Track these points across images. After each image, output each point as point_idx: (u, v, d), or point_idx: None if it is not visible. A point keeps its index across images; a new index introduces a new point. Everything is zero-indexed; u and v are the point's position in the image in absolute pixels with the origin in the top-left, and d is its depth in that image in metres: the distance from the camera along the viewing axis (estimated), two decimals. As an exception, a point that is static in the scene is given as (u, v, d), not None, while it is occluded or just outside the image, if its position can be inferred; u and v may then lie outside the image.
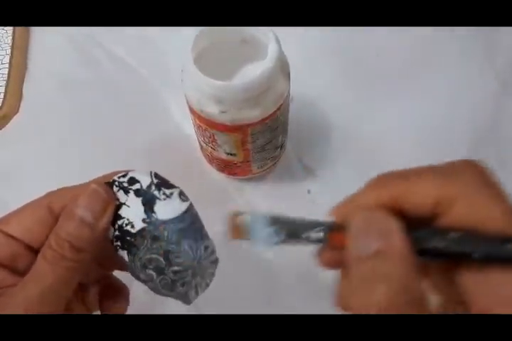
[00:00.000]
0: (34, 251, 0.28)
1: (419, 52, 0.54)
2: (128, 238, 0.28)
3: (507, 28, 0.52)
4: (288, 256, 0.42)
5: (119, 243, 0.28)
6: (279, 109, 0.38)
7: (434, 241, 0.23)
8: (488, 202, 0.23)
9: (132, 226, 0.28)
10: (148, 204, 0.28)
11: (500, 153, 0.49)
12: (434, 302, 0.26)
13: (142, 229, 0.28)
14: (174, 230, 0.28)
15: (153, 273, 0.28)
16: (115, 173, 0.29)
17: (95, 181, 0.28)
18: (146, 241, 0.28)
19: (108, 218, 0.27)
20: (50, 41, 0.55)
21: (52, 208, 0.28)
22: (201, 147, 0.45)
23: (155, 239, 0.28)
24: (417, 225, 0.24)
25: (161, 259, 0.28)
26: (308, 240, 0.25)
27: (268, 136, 0.40)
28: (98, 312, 0.32)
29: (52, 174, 0.49)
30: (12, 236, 0.28)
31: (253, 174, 0.46)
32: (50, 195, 0.29)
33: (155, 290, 0.29)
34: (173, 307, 0.41)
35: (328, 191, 0.48)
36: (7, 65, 0.52)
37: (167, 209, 0.28)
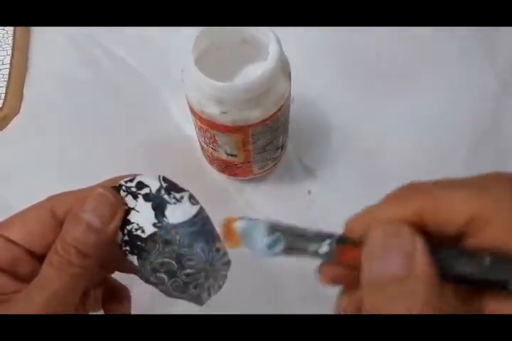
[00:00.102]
0: (36, 256, 0.28)
1: (419, 52, 0.54)
2: (138, 243, 0.27)
3: (507, 28, 0.52)
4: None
5: (128, 248, 0.28)
6: (279, 109, 0.38)
7: (463, 266, 0.21)
8: None
9: (143, 231, 0.27)
10: (159, 208, 0.28)
11: (500, 153, 0.49)
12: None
13: (153, 234, 0.27)
14: (186, 234, 0.28)
15: (165, 277, 0.28)
16: (121, 178, 0.28)
17: (101, 185, 0.28)
18: (157, 246, 0.27)
19: (117, 223, 0.27)
20: (50, 41, 0.55)
21: (55, 212, 0.28)
22: (202, 148, 0.45)
23: (167, 243, 0.27)
24: (440, 244, 0.21)
25: (173, 263, 0.28)
26: (313, 253, 0.23)
27: (269, 136, 0.40)
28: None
29: (52, 174, 0.49)
30: (13, 241, 0.27)
31: (254, 175, 0.46)
32: (52, 198, 0.28)
33: (166, 292, 0.29)
34: (173, 307, 0.41)
35: (329, 191, 0.48)
36: (8, 66, 0.52)
37: (178, 213, 0.28)
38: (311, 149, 0.50)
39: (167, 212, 0.28)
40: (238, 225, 0.24)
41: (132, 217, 0.28)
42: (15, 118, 0.51)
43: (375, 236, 0.21)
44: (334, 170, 0.49)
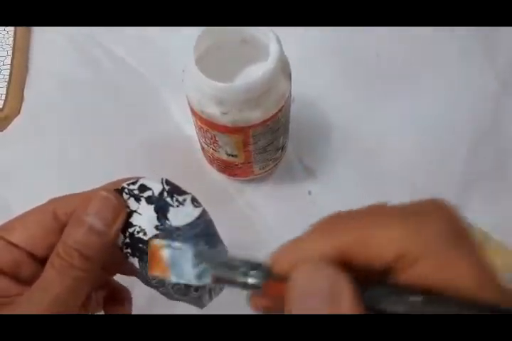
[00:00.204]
0: (38, 259, 0.28)
1: (419, 52, 0.54)
2: (140, 245, 0.27)
3: (507, 28, 0.52)
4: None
5: (129, 250, 0.28)
6: (280, 110, 0.38)
7: (391, 305, 0.20)
8: (456, 263, 0.20)
9: (145, 234, 0.27)
10: (161, 211, 0.27)
11: (500, 153, 0.49)
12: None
13: (155, 236, 0.27)
14: (188, 236, 0.27)
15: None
16: (123, 180, 0.28)
17: (104, 188, 0.27)
18: None
19: (119, 226, 0.27)
20: (50, 41, 0.55)
21: (57, 215, 0.27)
22: (202, 148, 0.45)
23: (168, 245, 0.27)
24: (370, 278, 0.21)
25: None
26: (241, 285, 0.22)
27: (269, 137, 0.40)
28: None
29: (52, 174, 0.49)
30: (14, 244, 0.27)
31: (254, 175, 0.46)
32: (54, 201, 0.28)
33: (167, 295, 0.28)
34: (174, 307, 0.41)
35: (329, 192, 0.48)
36: (8, 66, 0.52)
37: (180, 215, 0.28)
38: (312, 149, 0.50)
39: (169, 215, 0.27)
40: (166, 253, 0.24)
41: (134, 219, 0.27)
42: (15, 119, 0.51)
43: (297, 277, 0.21)
44: (334, 171, 0.49)
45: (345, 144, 0.50)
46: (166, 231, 0.27)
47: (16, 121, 0.51)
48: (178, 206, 0.28)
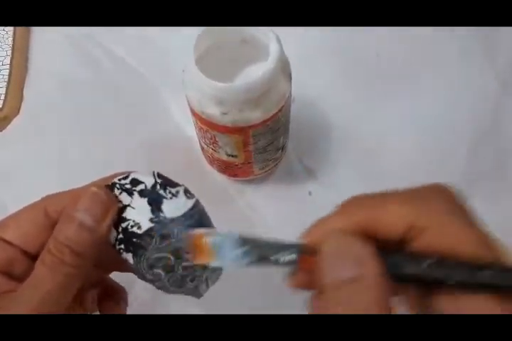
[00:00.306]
0: (30, 256, 0.28)
1: (419, 52, 0.54)
2: (134, 239, 0.27)
3: (507, 28, 0.52)
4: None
5: (122, 246, 0.28)
6: (280, 110, 0.38)
7: (408, 268, 0.23)
8: (459, 227, 0.23)
9: (139, 227, 0.27)
10: (155, 203, 0.28)
11: (500, 153, 0.49)
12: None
13: (150, 229, 0.27)
14: (183, 227, 0.28)
15: (162, 272, 0.28)
16: (114, 176, 0.28)
17: (94, 184, 0.28)
18: (154, 241, 0.27)
19: (110, 221, 0.27)
20: (50, 41, 0.55)
21: (49, 212, 0.28)
22: (202, 148, 0.45)
23: (164, 237, 0.27)
24: (390, 249, 0.24)
25: (170, 257, 0.28)
26: (279, 263, 0.25)
27: (269, 137, 0.40)
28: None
29: (52, 174, 0.49)
30: (8, 242, 0.27)
31: (254, 175, 0.46)
32: (46, 198, 0.28)
33: (163, 288, 0.29)
34: (174, 307, 0.41)
35: (329, 192, 0.48)
36: (8, 67, 0.52)
37: (174, 207, 0.28)
38: (312, 149, 0.50)
39: (163, 207, 0.28)
40: (209, 239, 0.25)
41: (128, 214, 0.28)
42: (15, 119, 0.51)
43: (327, 246, 0.24)
44: (335, 171, 0.49)
45: (345, 144, 0.50)
46: (161, 224, 0.27)
47: (16, 121, 0.51)
48: (171, 198, 0.28)
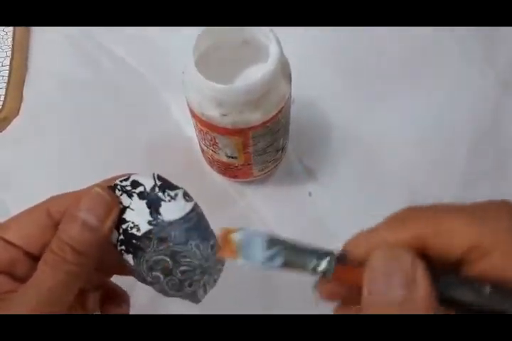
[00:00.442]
0: (33, 257, 0.28)
1: (419, 52, 0.54)
2: (133, 241, 0.28)
3: (507, 28, 0.52)
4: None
5: (123, 247, 0.28)
6: (280, 111, 0.38)
7: (462, 294, 0.21)
8: None
9: (138, 229, 0.27)
10: (154, 206, 0.28)
11: (500, 153, 0.49)
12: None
13: (148, 232, 0.27)
14: (181, 230, 0.28)
15: (160, 275, 0.28)
16: (116, 177, 0.28)
17: (97, 185, 0.28)
18: (152, 243, 0.28)
19: (112, 221, 0.27)
20: (50, 41, 0.55)
21: (52, 213, 0.28)
22: (202, 150, 0.45)
23: (162, 240, 0.28)
24: (444, 268, 0.22)
25: (169, 260, 0.28)
26: (312, 270, 0.23)
27: (269, 138, 0.40)
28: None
29: (52, 175, 0.49)
30: (11, 243, 0.27)
31: (254, 177, 0.46)
32: (49, 200, 0.28)
33: (162, 291, 0.29)
34: (175, 309, 0.41)
35: (329, 193, 0.48)
36: (7, 68, 0.52)
37: (172, 210, 0.28)
38: (312, 150, 0.50)
39: (162, 210, 0.28)
40: (237, 236, 0.24)
41: (127, 215, 0.28)
42: (14, 120, 0.51)
43: (376, 260, 0.22)
44: (335, 171, 0.49)
45: (345, 144, 0.50)
46: (159, 226, 0.28)
47: (16, 121, 0.51)
48: (170, 200, 0.28)
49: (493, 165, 0.49)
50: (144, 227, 0.27)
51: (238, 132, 0.38)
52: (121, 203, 0.28)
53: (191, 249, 0.28)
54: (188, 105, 0.38)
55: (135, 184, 0.28)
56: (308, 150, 0.50)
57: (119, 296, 0.33)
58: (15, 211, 0.29)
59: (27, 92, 0.53)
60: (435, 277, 0.21)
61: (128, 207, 0.28)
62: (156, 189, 0.28)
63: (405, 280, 0.21)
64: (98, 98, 0.53)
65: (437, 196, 0.47)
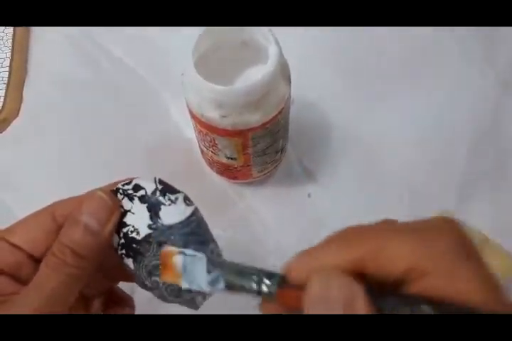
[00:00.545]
0: (37, 260, 0.28)
1: (419, 52, 0.54)
2: (133, 245, 0.27)
3: (507, 28, 0.52)
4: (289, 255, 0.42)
5: (124, 251, 0.28)
6: (280, 112, 0.38)
7: (401, 313, 0.21)
8: (463, 276, 0.21)
9: (138, 233, 0.27)
10: (154, 210, 0.28)
11: (500, 153, 0.49)
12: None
13: (148, 235, 0.27)
14: (180, 235, 0.27)
15: (159, 280, 0.28)
16: (119, 182, 0.28)
17: (99, 189, 0.28)
18: (152, 247, 0.27)
19: (113, 225, 0.27)
20: (50, 41, 0.55)
21: (56, 217, 0.28)
22: (202, 151, 0.45)
23: (161, 244, 0.27)
24: (383, 287, 0.22)
25: None
26: (254, 293, 0.23)
27: (269, 140, 0.40)
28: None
29: (52, 175, 0.49)
30: (17, 246, 0.28)
31: (253, 178, 0.46)
32: (54, 203, 0.29)
33: (161, 297, 0.28)
34: (175, 309, 0.41)
35: (329, 194, 0.48)
36: (7, 69, 0.52)
37: (172, 214, 0.28)
38: (311, 150, 0.50)
39: (161, 213, 0.28)
40: (178, 260, 0.24)
41: (128, 219, 0.28)
42: (14, 121, 0.51)
43: (314, 285, 0.22)
44: (334, 172, 0.49)
45: (345, 145, 0.50)
46: (159, 230, 0.27)
47: (16, 122, 0.51)
48: (170, 204, 0.28)
49: (493, 165, 0.49)
50: (144, 231, 0.27)
51: (238, 133, 0.38)
52: (122, 207, 0.28)
53: None
54: (188, 106, 0.38)
55: (137, 188, 0.28)
56: (308, 151, 0.50)
57: (123, 302, 0.33)
58: (16, 211, 0.29)
59: (27, 93, 0.53)
60: (375, 298, 0.21)
61: (129, 210, 0.28)
62: (157, 193, 0.28)
63: (343, 304, 0.21)
64: (98, 98, 0.53)
65: (437, 196, 0.47)
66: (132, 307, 0.33)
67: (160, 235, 0.27)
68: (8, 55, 0.53)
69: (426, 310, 0.21)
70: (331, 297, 0.21)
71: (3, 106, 0.51)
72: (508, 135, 0.50)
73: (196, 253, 0.25)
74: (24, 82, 0.53)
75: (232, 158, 0.41)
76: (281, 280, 0.23)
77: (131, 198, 0.28)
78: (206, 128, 0.38)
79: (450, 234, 0.22)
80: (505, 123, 0.50)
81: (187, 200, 0.28)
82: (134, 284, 0.29)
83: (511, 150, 0.49)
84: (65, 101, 0.52)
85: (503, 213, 0.46)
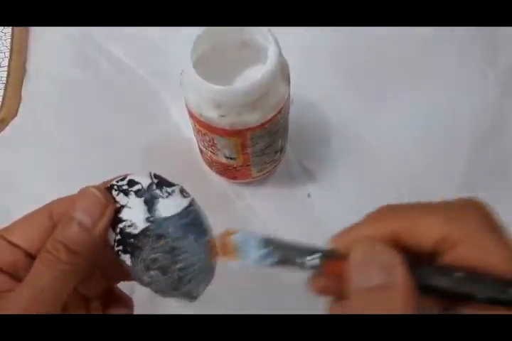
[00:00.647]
0: (34, 258, 0.28)
1: (419, 52, 0.54)
2: (130, 240, 0.27)
3: (507, 28, 0.52)
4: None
5: (120, 247, 0.28)
6: (279, 112, 0.38)
7: (437, 280, 0.23)
8: (492, 246, 0.23)
9: (135, 227, 0.27)
10: (151, 203, 0.28)
11: (501, 153, 0.49)
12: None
13: (145, 229, 0.27)
14: (178, 226, 0.28)
15: (157, 274, 0.28)
16: (113, 179, 0.28)
17: (93, 186, 0.28)
18: (149, 241, 0.27)
19: (106, 221, 0.27)
20: (49, 41, 0.55)
21: (53, 215, 0.28)
22: (201, 151, 0.45)
23: (159, 236, 0.28)
24: (419, 260, 0.24)
25: (166, 257, 0.28)
26: (303, 266, 0.25)
27: (267, 140, 0.40)
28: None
29: (52, 175, 0.49)
30: (15, 245, 0.28)
31: (253, 178, 0.46)
32: (52, 202, 0.29)
33: (159, 291, 0.29)
34: (175, 309, 0.41)
35: (329, 194, 0.48)
36: (6, 68, 0.52)
37: (169, 206, 0.28)
38: (311, 150, 0.50)
39: (159, 206, 0.28)
40: (233, 238, 0.26)
41: (125, 214, 0.28)
42: (13, 121, 0.51)
43: (358, 252, 0.24)
44: (334, 172, 0.49)
45: (345, 145, 0.50)
46: (156, 223, 0.27)
47: (14, 122, 0.51)
48: (167, 197, 0.28)
49: (493, 165, 0.49)
50: (141, 225, 0.27)
51: (236, 133, 0.38)
52: (118, 202, 0.28)
53: (188, 244, 0.28)
54: (187, 106, 0.38)
55: (132, 183, 0.28)
56: (308, 151, 0.50)
57: (122, 303, 0.33)
58: (15, 211, 0.29)
59: (26, 93, 0.53)
60: (411, 267, 0.23)
61: (125, 205, 0.28)
62: (153, 186, 0.28)
63: (384, 268, 0.23)
64: (97, 98, 0.53)
65: (437, 196, 0.47)
66: (131, 307, 0.33)
67: (158, 228, 0.27)
68: (7, 54, 0.53)
69: (460, 276, 0.23)
70: (372, 263, 0.23)
71: (1, 106, 0.51)
72: (509, 135, 0.50)
73: (249, 232, 0.26)
74: (23, 81, 0.53)
75: (231, 158, 0.41)
76: (327, 254, 0.25)
77: (126, 193, 0.28)
78: (205, 127, 0.38)
79: (477, 211, 0.24)
80: (506, 123, 0.50)
81: (183, 192, 0.29)
82: (133, 284, 0.29)
83: (511, 150, 0.49)
84: (64, 101, 0.52)
85: (503, 213, 0.46)
